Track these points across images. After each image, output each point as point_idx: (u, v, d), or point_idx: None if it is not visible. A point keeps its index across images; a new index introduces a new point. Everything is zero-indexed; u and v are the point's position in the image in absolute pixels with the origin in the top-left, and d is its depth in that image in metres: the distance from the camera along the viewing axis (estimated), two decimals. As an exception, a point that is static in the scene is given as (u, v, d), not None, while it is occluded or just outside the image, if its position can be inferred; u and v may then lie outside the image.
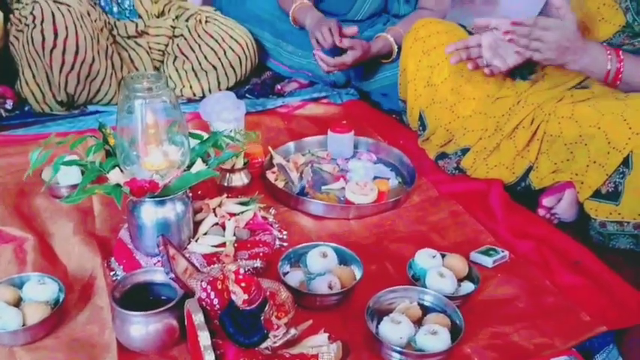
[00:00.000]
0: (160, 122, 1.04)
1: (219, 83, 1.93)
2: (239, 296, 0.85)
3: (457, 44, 1.38)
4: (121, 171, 1.05)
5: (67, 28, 1.62)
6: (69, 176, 1.31)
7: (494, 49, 1.36)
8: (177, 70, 1.92)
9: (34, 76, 1.69)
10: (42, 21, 1.61)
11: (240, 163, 1.36)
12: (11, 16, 1.76)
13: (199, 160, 1.10)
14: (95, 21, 1.73)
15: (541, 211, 1.33)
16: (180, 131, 1.07)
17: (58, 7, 1.63)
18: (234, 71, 1.94)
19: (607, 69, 1.26)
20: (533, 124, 1.35)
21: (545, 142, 1.34)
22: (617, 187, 1.19)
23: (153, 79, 1.03)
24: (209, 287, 0.88)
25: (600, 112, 1.22)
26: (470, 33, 1.57)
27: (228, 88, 1.94)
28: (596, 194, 1.24)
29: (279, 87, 2.02)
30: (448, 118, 1.49)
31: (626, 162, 1.17)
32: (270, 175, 1.42)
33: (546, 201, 1.32)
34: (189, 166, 1.09)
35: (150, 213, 1.07)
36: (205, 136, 1.21)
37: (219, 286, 0.88)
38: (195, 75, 1.91)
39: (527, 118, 1.37)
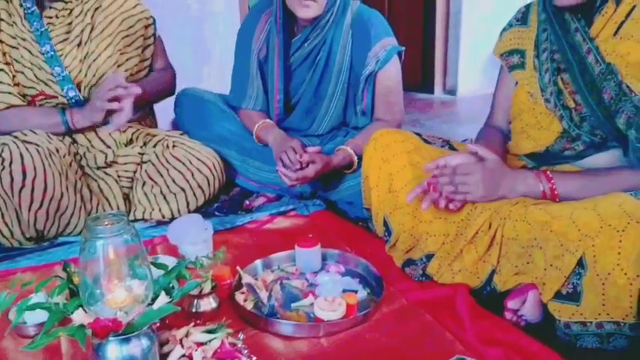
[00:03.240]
0: (122, 258, 1.06)
1: (188, 204, 1.96)
2: None
3: (415, 190, 1.47)
4: (85, 311, 1.06)
5: (35, 167, 1.66)
6: (36, 315, 1.29)
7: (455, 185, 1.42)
8: (146, 195, 1.94)
9: (2, 215, 1.71)
10: (10, 162, 1.65)
11: (207, 287, 1.36)
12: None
13: (163, 293, 1.11)
14: (64, 156, 1.77)
15: (507, 315, 1.34)
16: (142, 264, 1.08)
17: (27, 148, 1.67)
18: (203, 191, 1.97)
19: (541, 190, 1.37)
20: (491, 228, 1.40)
21: (504, 246, 1.38)
22: (575, 287, 1.21)
23: (115, 220, 1.06)
24: None
25: (551, 215, 1.27)
26: (425, 141, 1.65)
27: (197, 208, 1.98)
28: (558, 295, 1.25)
29: (247, 202, 2.07)
30: (411, 223, 1.53)
31: (580, 263, 1.20)
32: (239, 296, 1.42)
33: (511, 304, 1.33)
34: (154, 299, 1.10)
35: (115, 351, 1.06)
36: (171, 263, 1.22)
37: None
38: (164, 198, 1.94)
39: (485, 223, 1.41)
